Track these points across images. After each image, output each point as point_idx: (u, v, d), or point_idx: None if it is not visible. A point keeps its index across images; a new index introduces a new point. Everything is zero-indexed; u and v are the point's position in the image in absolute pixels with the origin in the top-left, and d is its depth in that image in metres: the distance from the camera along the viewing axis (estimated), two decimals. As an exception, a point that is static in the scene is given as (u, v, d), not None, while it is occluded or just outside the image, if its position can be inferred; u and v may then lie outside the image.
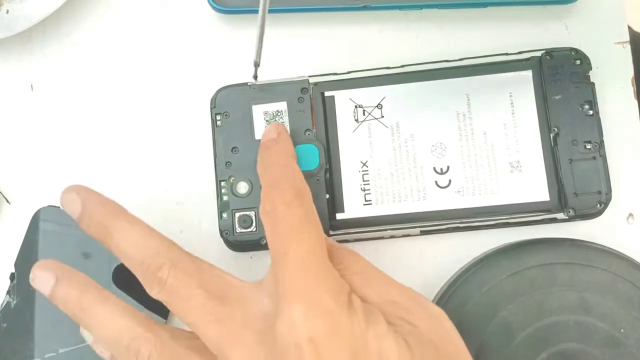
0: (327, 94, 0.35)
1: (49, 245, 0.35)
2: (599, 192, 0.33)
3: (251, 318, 0.28)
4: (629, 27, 0.37)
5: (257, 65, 0.33)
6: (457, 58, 0.35)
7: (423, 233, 0.35)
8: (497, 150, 0.34)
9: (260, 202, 0.29)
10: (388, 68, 0.35)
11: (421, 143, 0.34)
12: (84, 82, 0.38)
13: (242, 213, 0.34)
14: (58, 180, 0.37)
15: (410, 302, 0.28)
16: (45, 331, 0.34)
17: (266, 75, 0.35)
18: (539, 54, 0.34)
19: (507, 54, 0.35)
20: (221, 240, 0.34)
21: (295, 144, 0.34)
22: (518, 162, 0.34)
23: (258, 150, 0.33)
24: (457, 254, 0.35)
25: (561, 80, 0.34)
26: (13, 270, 0.35)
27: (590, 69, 0.34)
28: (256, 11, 0.30)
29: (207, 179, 0.36)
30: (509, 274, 0.33)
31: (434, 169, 0.34)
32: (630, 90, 0.36)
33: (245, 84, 0.35)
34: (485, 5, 0.36)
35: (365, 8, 0.36)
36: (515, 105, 0.34)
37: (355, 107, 0.35)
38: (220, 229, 0.34)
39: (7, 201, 0.37)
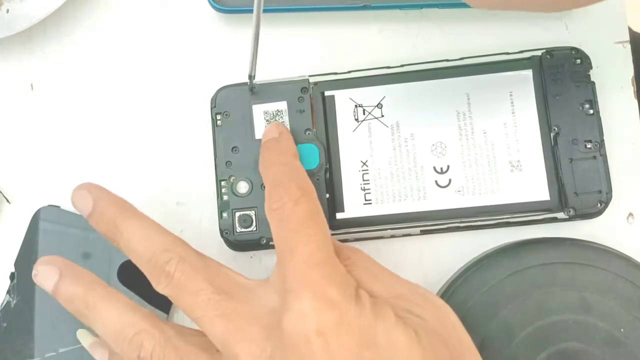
0: (327, 93, 0.35)
1: (49, 245, 0.35)
2: (600, 192, 0.33)
3: (258, 313, 0.28)
4: (629, 28, 0.37)
5: (251, 77, 0.33)
6: (457, 58, 0.35)
7: (423, 233, 0.35)
8: (497, 150, 0.34)
9: (266, 200, 0.29)
10: (388, 68, 0.35)
11: (421, 142, 0.34)
12: (84, 81, 0.38)
13: (242, 213, 0.34)
14: (58, 180, 0.37)
15: (417, 295, 0.29)
16: (45, 331, 0.34)
17: (266, 75, 0.35)
18: (539, 53, 0.35)
19: (507, 54, 0.35)
20: (221, 240, 0.34)
21: (295, 143, 0.34)
22: (518, 161, 0.34)
23: (259, 149, 0.33)
24: (457, 253, 0.35)
25: (561, 80, 0.34)
26: (13, 270, 0.35)
27: (591, 68, 0.34)
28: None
29: (207, 178, 0.36)
30: (509, 273, 0.33)
31: (434, 168, 0.34)
32: (630, 90, 0.36)
33: (246, 83, 0.35)
34: (485, 4, 0.36)
35: (365, 8, 0.36)
36: (515, 104, 0.34)
37: (355, 106, 0.35)
38: (220, 229, 0.34)
39: (7, 201, 0.37)
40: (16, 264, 0.35)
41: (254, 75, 0.33)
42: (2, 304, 0.35)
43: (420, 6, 0.36)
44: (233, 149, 0.35)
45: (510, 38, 0.36)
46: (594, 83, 0.34)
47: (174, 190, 0.36)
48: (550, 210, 0.34)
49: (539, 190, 0.34)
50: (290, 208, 0.28)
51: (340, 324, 0.26)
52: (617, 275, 0.32)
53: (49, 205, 0.36)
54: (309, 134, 0.35)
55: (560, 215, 0.34)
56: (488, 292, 0.33)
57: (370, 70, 0.35)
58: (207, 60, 0.37)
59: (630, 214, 0.35)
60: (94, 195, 0.31)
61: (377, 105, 0.35)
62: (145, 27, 0.38)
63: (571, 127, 0.34)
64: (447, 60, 0.35)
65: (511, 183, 0.34)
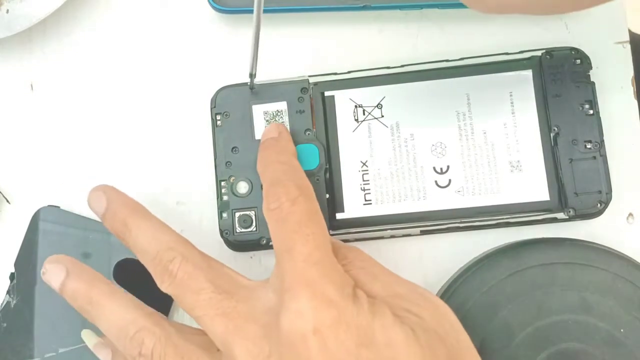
0: (327, 93, 0.35)
1: (48, 245, 0.35)
2: (599, 192, 0.33)
3: (257, 312, 0.28)
4: (629, 29, 0.37)
5: (252, 76, 0.33)
6: (457, 58, 0.35)
7: (423, 233, 0.35)
8: (497, 150, 0.34)
9: (263, 200, 0.30)
10: (388, 68, 0.35)
11: (421, 143, 0.34)
12: (84, 82, 0.38)
13: (242, 213, 0.34)
14: (58, 180, 0.37)
15: (416, 295, 0.29)
16: (45, 331, 0.34)
17: (266, 75, 0.35)
18: (539, 53, 0.35)
19: (507, 54, 0.35)
20: (221, 240, 0.34)
21: (295, 143, 0.34)
22: (518, 161, 0.34)
23: (258, 149, 0.33)
24: (457, 254, 0.35)
25: (561, 80, 0.34)
26: (13, 270, 0.35)
27: (591, 68, 0.34)
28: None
29: (207, 179, 0.36)
30: (509, 273, 0.33)
31: (434, 168, 0.34)
32: (630, 90, 0.36)
33: (246, 83, 0.35)
34: (485, 5, 0.36)
35: (365, 8, 0.36)
36: (515, 104, 0.34)
37: (355, 106, 0.35)
38: (220, 229, 0.34)
39: (7, 201, 0.37)
40: (16, 264, 0.35)
41: (255, 74, 0.33)
42: (2, 304, 0.35)
43: (420, 6, 0.36)
44: (233, 149, 0.35)
45: (510, 38, 0.36)
46: (593, 83, 0.34)
47: (174, 190, 0.36)
48: (550, 211, 0.34)
49: (538, 190, 0.34)
50: (289, 208, 0.28)
51: (337, 323, 0.26)
52: (617, 275, 0.32)
53: (48, 206, 0.36)
54: (308, 134, 0.35)
55: (560, 215, 0.34)
56: (488, 292, 0.33)
57: (370, 71, 0.35)
58: (207, 60, 0.37)
59: (630, 214, 0.35)
60: (108, 196, 0.32)
61: (377, 106, 0.35)
62: (145, 27, 0.38)
63: (571, 128, 0.34)
64: (447, 61, 0.35)
65: (511, 183, 0.34)
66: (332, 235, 0.34)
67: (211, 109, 0.35)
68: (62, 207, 0.36)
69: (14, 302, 0.35)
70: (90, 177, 0.37)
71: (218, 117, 0.35)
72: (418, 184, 0.34)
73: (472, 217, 0.34)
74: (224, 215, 0.34)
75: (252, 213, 0.34)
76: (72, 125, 0.37)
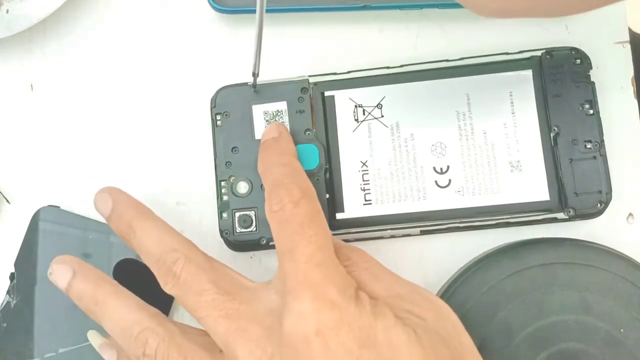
0: (327, 93, 0.35)
1: (48, 245, 0.35)
2: (599, 192, 0.33)
3: (259, 314, 0.28)
4: (629, 28, 0.37)
5: (255, 75, 0.33)
6: (457, 58, 0.35)
7: (423, 233, 0.35)
8: (497, 150, 0.34)
9: (266, 202, 0.30)
10: (388, 68, 0.35)
11: (421, 143, 0.34)
12: (84, 82, 0.38)
13: (242, 213, 0.34)
14: (58, 180, 0.37)
15: (417, 296, 0.29)
16: (45, 331, 0.34)
17: (266, 75, 0.35)
18: (539, 53, 0.35)
19: (507, 54, 0.35)
20: (221, 240, 0.34)
21: (295, 143, 0.34)
22: (518, 161, 0.34)
23: (259, 149, 0.33)
24: (457, 254, 0.35)
25: (561, 80, 0.34)
26: (13, 270, 0.35)
27: (591, 68, 0.34)
28: (256, 11, 0.30)
29: (207, 179, 0.36)
30: (509, 273, 0.33)
31: (434, 168, 0.34)
32: (630, 90, 0.36)
33: (245, 83, 0.35)
34: (485, 5, 0.36)
35: (365, 8, 0.36)
36: (515, 104, 0.34)
37: (355, 106, 0.35)
38: (220, 229, 0.34)
39: (7, 201, 0.37)
40: (16, 264, 0.35)
41: (258, 73, 0.33)
42: (2, 304, 0.35)
43: (420, 6, 0.36)
44: (233, 149, 0.35)
45: (510, 38, 0.36)
46: (593, 83, 0.34)
47: (174, 190, 0.36)
48: (550, 211, 0.34)
49: (538, 190, 0.34)
50: (291, 210, 0.28)
51: (339, 324, 0.26)
52: (617, 275, 0.32)
53: (48, 206, 0.36)
54: (308, 134, 0.35)
55: (560, 215, 0.34)
56: (488, 292, 0.33)
57: (370, 71, 0.35)
58: (207, 60, 0.37)
59: (630, 214, 0.35)
60: (114, 198, 0.32)
61: (377, 106, 0.35)
62: (145, 27, 0.38)
63: (571, 128, 0.34)
64: (447, 61, 0.35)
65: (511, 183, 0.34)
66: (332, 235, 0.34)
67: (211, 109, 0.35)
68: (62, 207, 0.36)
69: (14, 302, 0.35)
70: (90, 177, 0.37)
71: (218, 117, 0.35)
72: (418, 184, 0.34)
73: (472, 217, 0.34)
74: (224, 215, 0.34)
75: (252, 213, 0.34)
76: (72, 125, 0.37)
